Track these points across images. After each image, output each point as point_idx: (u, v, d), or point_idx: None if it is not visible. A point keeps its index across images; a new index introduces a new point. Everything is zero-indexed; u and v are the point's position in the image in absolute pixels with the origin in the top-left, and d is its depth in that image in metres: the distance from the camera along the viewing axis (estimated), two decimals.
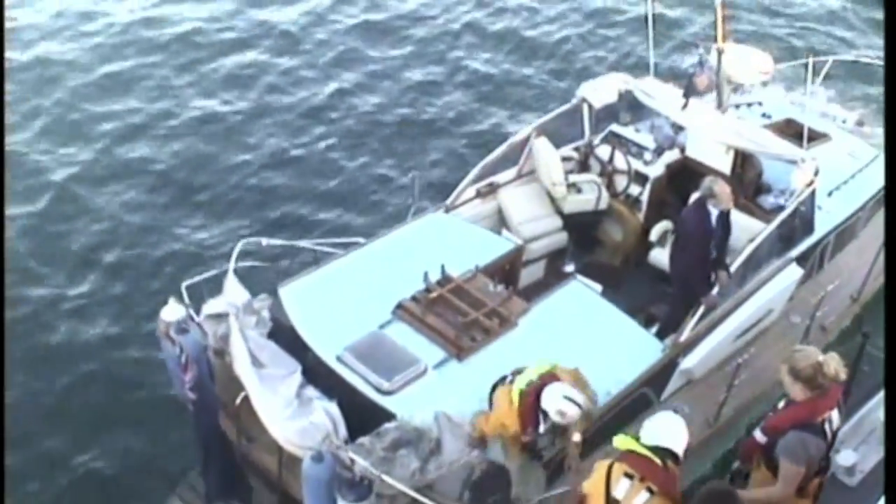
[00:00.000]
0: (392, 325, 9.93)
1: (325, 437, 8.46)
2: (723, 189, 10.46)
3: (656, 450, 6.97)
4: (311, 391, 9.19)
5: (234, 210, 15.04)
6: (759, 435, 7.73)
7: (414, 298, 10.14)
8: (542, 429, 8.48)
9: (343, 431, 8.77)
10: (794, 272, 11.57)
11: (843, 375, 7.38)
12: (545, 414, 8.37)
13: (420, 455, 8.56)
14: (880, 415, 9.62)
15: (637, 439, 7.11)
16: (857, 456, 9.42)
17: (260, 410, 8.85)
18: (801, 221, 11.73)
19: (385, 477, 8.12)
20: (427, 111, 17.91)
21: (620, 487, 6.88)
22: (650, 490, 6.82)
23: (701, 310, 10.38)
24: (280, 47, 19.54)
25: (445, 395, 9.14)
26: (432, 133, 17.30)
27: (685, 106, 11.83)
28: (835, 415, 7.52)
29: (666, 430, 7.12)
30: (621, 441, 7.13)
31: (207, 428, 9.51)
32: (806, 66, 13.00)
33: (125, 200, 15.30)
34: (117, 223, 14.81)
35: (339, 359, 9.45)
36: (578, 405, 8.23)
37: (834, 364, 7.34)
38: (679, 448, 7.05)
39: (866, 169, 13.54)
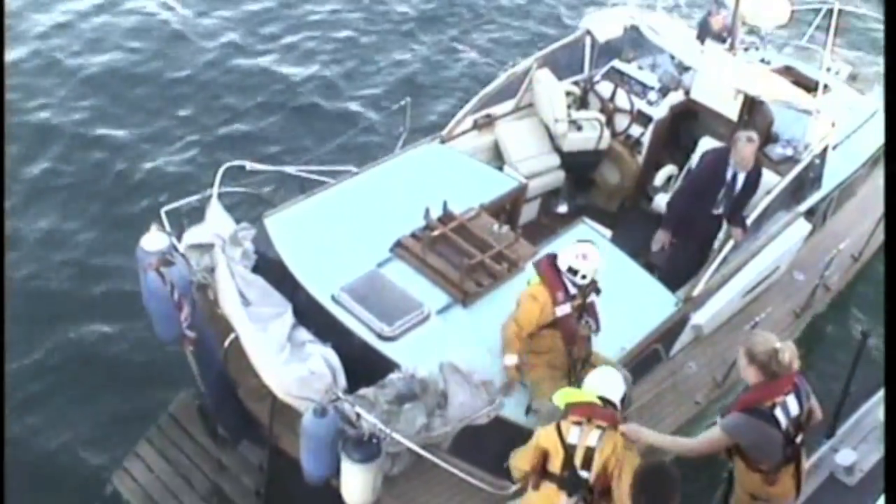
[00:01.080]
0: (391, 263, 9.19)
1: (328, 389, 7.69)
2: (747, 149, 9.99)
3: (600, 399, 7.31)
4: (302, 333, 8.44)
5: (216, 132, 14.18)
6: (718, 418, 7.58)
7: (414, 235, 9.39)
8: (571, 289, 8.31)
9: (343, 381, 8.06)
10: (803, 227, 11.10)
11: (796, 365, 7.31)
12: (569, 270, 8.26)
13: (426, 409, 7.90)
14: (879, 414, 9.58)
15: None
16: (856, 455, 9.32)
17: (252, 355, 8.09)
18: (813, 175, 11.23)
19: (397, 435, 7.41)
20: (423, 40, 17.14)
21: (573, 435, 7.15)
22: (600, 427, 7.14)
23: (722, 254, 9.92)
24: None
25: (450, 343, 8.50)
26: (427, 61, 16.55)
27: (700, 48, 11.12)
28: (791, 401, 7.30)
29: (603, 381, 7.47)
30: (563, 395, 7.37)
31: (215, 367, 8.60)
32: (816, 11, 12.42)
33: (96, 117, 14.41)
34: (90, 143, 13.87)
35: (334, 299, 8.69)
36: (591, 241, 8.49)
37: (789, 353, 7.26)
38: (615, 396, 7.37)
39: (866, 124, 13.06)
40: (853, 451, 9.34)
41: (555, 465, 7.21)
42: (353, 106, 14.88)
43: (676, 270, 10.23)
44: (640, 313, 9.36)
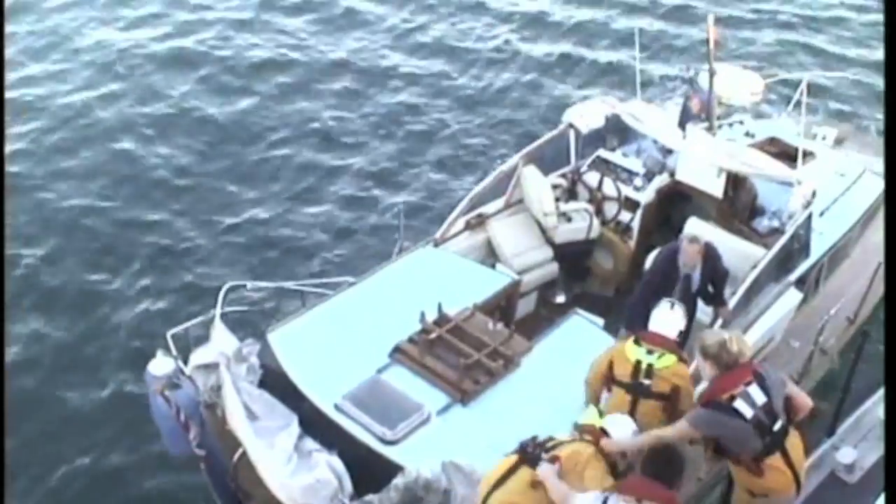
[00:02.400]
0: (390, 369, 9.47)
1: (334, 496, 7.97)
2: (689, 250, 10.12)
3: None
4: (309, 443, 8.71)
5: (216, 254, 14.52)
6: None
7: (411, 340, 9.68)
8: None
9: (349, 486, 8.31)
10: (794, 296, 11.33)
11: (746, 352, 7.78)
12: None
13: None
14: (879, 412, 9.73)
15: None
16: (856, 453, 9.50)
17: (259, 467, 8.36)
18: (799, 244, 11.47)
19: None
20: (407, 143, 17.57)
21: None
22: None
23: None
24: (249, 79, 19.22)
25: (451, 442, 8.71)
26: (415, 166, 16.93)
27: (683, 131, 11.52)
28: (754, 391, 7.58)
29: (615, 424, 7.97)
30: (588, 416, 8.11)
31: (226, 482, 8.93)
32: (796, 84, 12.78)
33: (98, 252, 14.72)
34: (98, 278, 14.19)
35: (337, 407, 8.97)
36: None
37: (737, 343, 7.72)
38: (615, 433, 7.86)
39: (854, 186, 13.36)
40: (854, 449, 9.54)
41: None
42: (346, 218, 15.23)
43: None
44: None
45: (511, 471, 7.62)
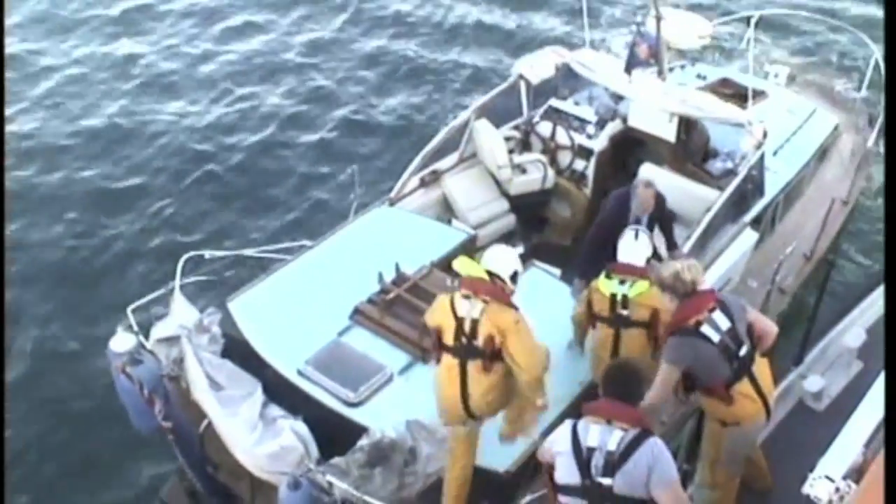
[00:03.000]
0: (351, 331, 9.53)
1: (300, 461, 8.03)
2: (644, 194, 10.16)
3: (488, 273, 7.95)
4: (274, 410, 8.71)
5: (168, 224, 14.44)
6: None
7: (371, 301, 9.74)
8: None
9: (314, 451, 8.31)
10: (751, 237, 11.42)
11: (700, 279, 7.84)
12: None
13: (397, 468, 8.21)
14: (846, 340, 9.83)
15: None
16: (823, 381, 9.60)
17: (225, 437, 8.41)
18: (753, 184, 11.55)
19: (368, 498, 7.73)
20: (359, 104, 17.51)
21: (461, 307, 7.83)
22: (484, 300, 7.75)
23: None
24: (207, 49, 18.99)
25: (414, 401, 8.76)
26: (368, 126, 16.88)
27: (629, 77, 11.52)
28: (718, 316, 7.67)
29: (495, 257, 8.10)
30: (461, 263, 8.11)
31: (195, 452, 9.01)
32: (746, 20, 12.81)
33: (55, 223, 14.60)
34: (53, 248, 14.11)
35: (300, 373, 9.03)
36: None
37: (689, 271, 7.79)
38: (502, 271, 7.99)
39: (806, 125, 13.46)
40: (821, 378, 9.67)
41: (447, 337, 7.94)
42: (302, 179, 15.20)
43: None
44: None
45: (463, 373, 7.94)
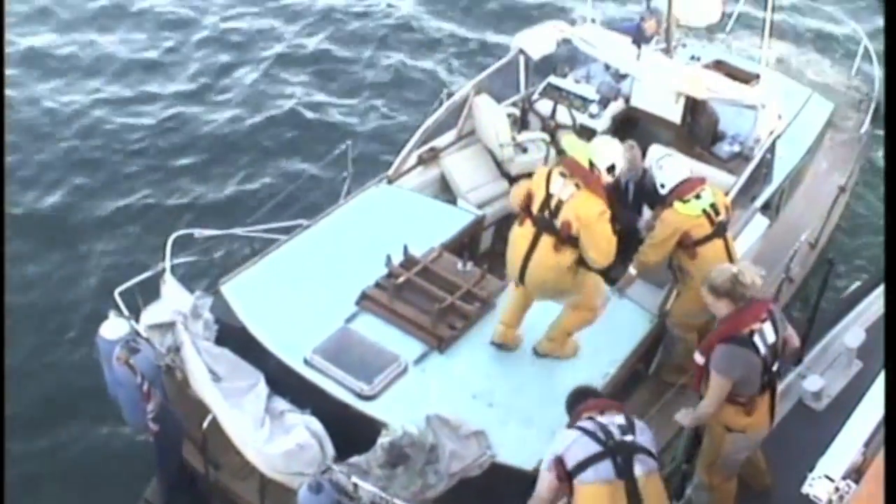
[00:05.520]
0: (359, 317, 8.89)
1: (316, 461, 7.37)
2: (632, 155, 10.08)
3: (588, 161, 8.12)
4: (280, 403, 8.07)
5: (156, 203, 13.65)
6: (698, 357, 7.55)
7: (378, 285, 9.10)
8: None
9: (330, 449, 7.68)
10: (761, 223, 11.03)
11: (759, 281, 7.49)
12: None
13: (419, 468, 7.60)
14: (846, 340, 9.63)
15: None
16: (823, 381, 9.38)
17: (232, 434, 7.75)
18: (764, 169, 11.12)
19: (398, 501, 7.11)
20: (352, 80, 16.85)
21: (556, 183, 8.11)
22: (577, 185, 8.00)
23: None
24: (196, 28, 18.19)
25: (432, 393, 8.25)
26: (362, 103, 16.20)
27: (638, 55, 10.99)
28: (768, 329, 7.36)
29: (598, 147, 8.26)
30: (568, 141, 8.61)
31: (173, 461, 8.31)
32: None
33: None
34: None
35: (307, 363, 8.38)
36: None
37: (749, 273, 7.44)
38: (600, 161, 8.11)
39: (804, 110, 13.05)
40: (820, 378, 9.39)
41: (535, 205, 8.21)
42: (294, 155, 14.52)
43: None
44: (618, 335, 9.12)
45: (534, 241, 8.16)
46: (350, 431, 7.81)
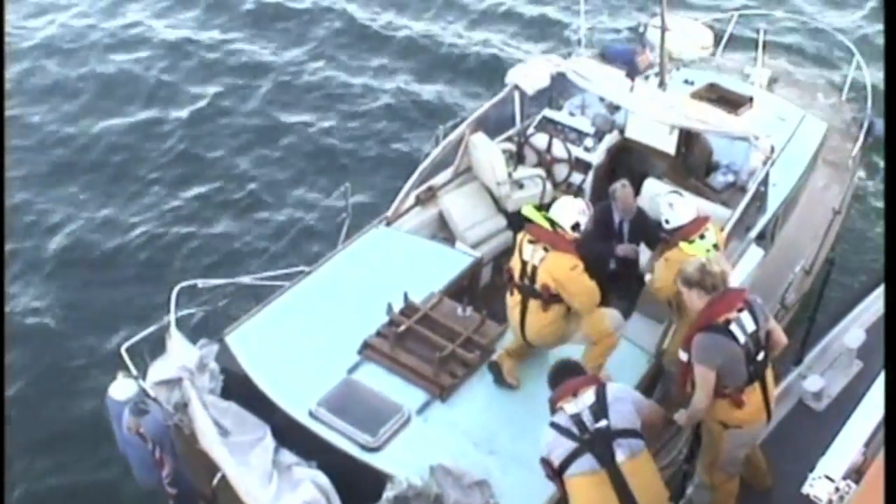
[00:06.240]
0: (362, 367, 9.00)
1: None
2: (625, 192, 10.32)
3: (549, 221, 8.55)
4: (287, 456, 8.23)
5: (157, 256, 13.68)
6: (681, 354, 7.74)
7: (380, 334, 9.20)
8: None
9: None
10: (756, 254, 11.05)
11: (728, 271, 7.78)
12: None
13: None
14: (846, 340, 9.79)
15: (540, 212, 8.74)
16: (823, 381, 9.52)
17: (240, 491, 7.88)
18: (758, 201, 11.24)
19: None
20: (347, 126, 16.78)
21: (527, 251, 8.51)
22: (545, 248, 8.41)
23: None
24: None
25: (436, 442, 8.35)
26: (357, 148, 16.20)
27: (632, 88, 11.12)
28: (746, 318, 7.51)
29: (559, 208, 8.64)
30: (528, 210, 8.72)
31: None
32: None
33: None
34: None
35: (312, 415, 8.49)
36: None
37: (717, 263, 7.69)
38: (563, 221, 8.53)
39: (798, 132, 13.16)
40: (821, 378, 9.54)
41: (516, 275, 8.62)
42: (291, 200, 14.56)
43: None
44: (616, 376, 9.24)
45: (524, 307, 8.60)
46: (356, 483, 7.95)
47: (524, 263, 8.52)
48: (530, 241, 8.51)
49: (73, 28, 19.13)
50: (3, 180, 13.62)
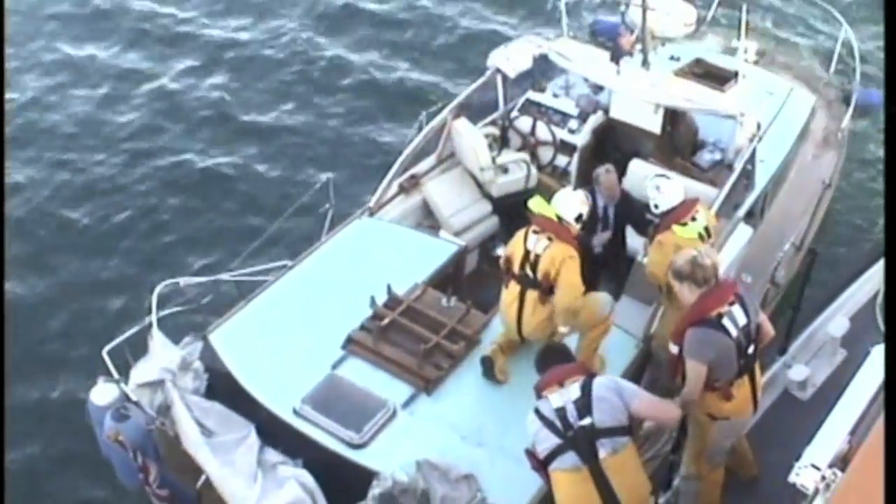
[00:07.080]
0: (346, 362, 8.91)
1: None
2: (609, 178, 10.17)
3: (556, 216, 8.71)
4: (271, 455, 8.15)
5: (137, 252, 13.53)
6: (672, 347, 7.70)
7: (363, 328, 9.11)
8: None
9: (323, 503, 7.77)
10: (745, 232, 10.96)
11: (718, 263, 7.72)
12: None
13: None
14: (830, 329, 9.85)
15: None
16: (808, 370, 9.53)
17: (224, 492, 7.84)
18: (746, 178, 11.13)
19: None
20: (328, 115, 16.56)
21: (531, 241, 8.64)
22: (549, 238, 8.54)
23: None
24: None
25: (422, 437, 8.28)
26: (339, 137, 15.99)
27: (617, 70, 10.99)
28: (737, 311, 7.47)
29: (561, 201, 8.81)
30: (535, 202, 8.85)
31: None
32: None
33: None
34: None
35: (297, 413, 8.41)
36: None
37: (708, 257, 7.62)
38: (566, 214, 8.72)
39: (786, 106, 13.01)
40: (805, 367, 9.56)
41: (515, 265, 8.72)
42: (273, 193, 14.35)
43: None
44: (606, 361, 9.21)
45: (521, 300, 8.68)
46: (342, 480, 7.90)
47: (527, 252, 8.61)
48: (535, 232, 8.63)
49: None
50: (3, 180, 13.50)
